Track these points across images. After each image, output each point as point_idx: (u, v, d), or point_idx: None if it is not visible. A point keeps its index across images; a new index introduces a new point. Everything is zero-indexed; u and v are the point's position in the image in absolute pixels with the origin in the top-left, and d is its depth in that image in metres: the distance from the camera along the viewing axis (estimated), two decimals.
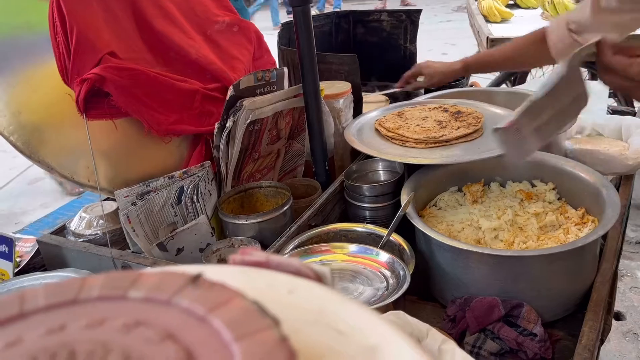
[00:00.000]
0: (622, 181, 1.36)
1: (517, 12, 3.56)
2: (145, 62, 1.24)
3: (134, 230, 1.10)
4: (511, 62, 1.58)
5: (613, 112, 1.81)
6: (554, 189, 1.20)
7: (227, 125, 1.14)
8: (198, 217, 1.15)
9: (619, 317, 2.50)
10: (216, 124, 1.16)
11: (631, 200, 1.43)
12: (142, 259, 1.09)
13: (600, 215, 1.05)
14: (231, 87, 1.14)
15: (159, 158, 1.21)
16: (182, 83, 1.19)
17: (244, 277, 0.34)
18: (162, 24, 1.28)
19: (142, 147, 1.19)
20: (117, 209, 1.14)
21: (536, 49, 1.41)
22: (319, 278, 0.34)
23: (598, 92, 1.98)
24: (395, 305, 0.90)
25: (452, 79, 1.71)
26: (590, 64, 3.21)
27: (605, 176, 1.35)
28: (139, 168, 1.19)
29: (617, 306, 2.51)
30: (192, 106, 1.20)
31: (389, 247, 1.10)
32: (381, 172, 1.37)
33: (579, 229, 1.08)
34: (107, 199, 1.24)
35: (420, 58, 2.10)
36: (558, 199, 1.19)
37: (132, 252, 1.14)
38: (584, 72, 3.42)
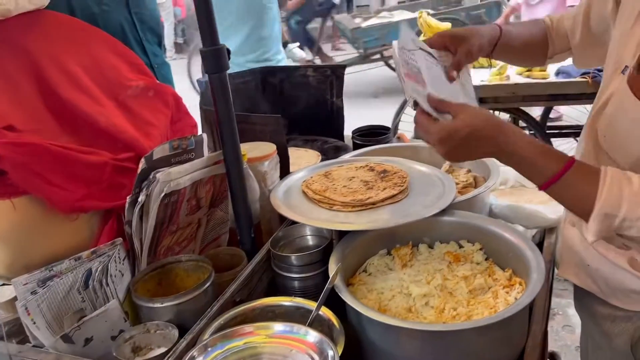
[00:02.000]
0: (546, 235, 1.38)
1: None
2: (50, 132, 1.16)
3: (35, 323, 0.99)
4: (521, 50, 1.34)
5: None
6: (481, 249, 1.20)
7: (140, 199, 1.07)
8: (109, 301, 1.05)
9: (554, 357, 2.54)
10: (128, 198, 1.08)
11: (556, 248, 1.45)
12: (43, 355, 0.97)
13: (527, 277, 1.04)
14: (143, 159, 1.07)
15: (65, 237, 1.11)
16: (90, 155, 1.11)
17: None
18: (68, 91, 1.20)
19: (46, 226, 1.08)
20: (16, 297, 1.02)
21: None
22: None
23: None
24: None
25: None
26: (514, 110, 3.38)
27: (529, 230, 1.37)
28: (43, 250, 1.09)
29: (552, 346, 2.55)
30: (101, 179, 1.12)
31: (317, 322, 1.04)
32: (309, 236, 1.32)
33: (507, 292, 1.07)
34: (4, 284, 1.12)
35: (349, 103, 2.12)
36: (486, 259, 1.18)
37: (33, 346, 1.02)
38: (506, 116, 3.58)
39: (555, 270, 1.27)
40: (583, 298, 1.17)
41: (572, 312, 2.77)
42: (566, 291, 2.92)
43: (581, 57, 1.30)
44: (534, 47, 1.33)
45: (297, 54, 4.19)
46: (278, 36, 3.17)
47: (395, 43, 1.15)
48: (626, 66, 0.97)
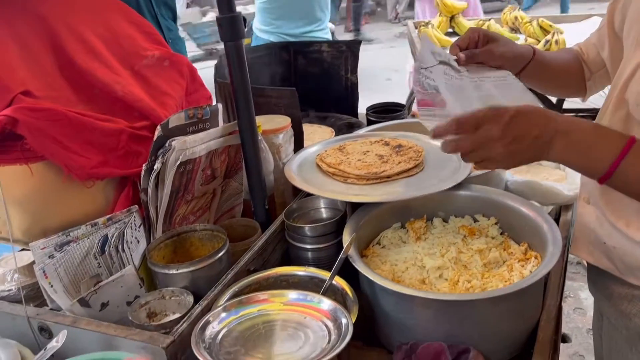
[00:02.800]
0: (562, 212, 1.36)
1: (455, 39, 3.65)
2: (66, 100, 1.16)
3: (52, 286, 1.00)
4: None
5: None
6: (496, 223, 1.19)
7: (156, 167, 1.07)
8: (124, 267, 1.05)
9: (564, 339, 2.54)
10: (143, 165, 1.08)
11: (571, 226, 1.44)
12: (61, 318, 0.98)
13: (543, 251, 1.03)
14: (159, 127, 1.07)
15: (81, 204, 1.12)
16: (106, 122, 1.11)
17: None
18: (85, 60, 1.20)
19: (62, 193, 1.09)
20: (34, 261, 1.04)
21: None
22: None
23: None
24: (339, 356, 0.85)
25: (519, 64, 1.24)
26: (530, 91, 3.33)
27: (545, 207, 1.36)
28: (59, 215, 1.10)
29: (563, 328, 2.55)
30: (118, 147, 1.12)
31: (331, 291, 1.04)
32: (323, 209, 1.32)
33: (522, 266, 1.06)
34: (23, 249, 1.13)
35: (363, 84, 2.09)
36: (501, 234, 1.17)
37: (51, 309, 1.03)
38: None
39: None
40: (598, 278, 1.16)
41: (584, 295, 2.76)
42: (578, 274, 2.91)
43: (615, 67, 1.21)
44: (570, 71, 1.26)
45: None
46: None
47: (409, 67, 1.12)
48: None
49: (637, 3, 1.02)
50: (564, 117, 0.88)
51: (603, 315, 1.20)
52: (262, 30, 3.01)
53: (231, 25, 1.11)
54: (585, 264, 1.18)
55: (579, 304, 2.71)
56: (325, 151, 1.39)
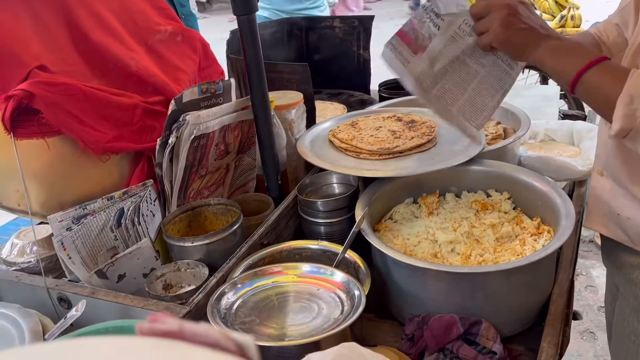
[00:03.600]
0: (575, 187, 1.36)
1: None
2: (80, 75, 1.16)
3: (70, 258, 1.02)
4: None
5: (564, 116, 1.83)
6: (509, 198, 1.19)
7: (170, 141, 1.08)
8: (140, 240, 1.07)
9: (575, 316, 2.55)
10: (158, 140, 1.09)
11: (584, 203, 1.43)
12: (79, 289, 1.01)
13: (556, 225, 1.03)
14: (173, 101, 1.07)
15: (96, 178, 1.13)
16: (121, 97, 1.12)
17: (153, 353, 0.28)
18: (99, 35, 1.20)
19: (78, 167, 1.11)
20: (52, 234, 1.06)
21: None
22: (241, 350, 0.29)
23: (549, 95, 2.01)
24: (352, 327, 0.86)
25: None
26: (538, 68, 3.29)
27: (558, 183, 1.35)
28: (75, 189, 1.11)
29: (574, 305, 2.56)
30: (132, 121, 1.13)
31: (344, 265, 1.06)
32: (335, 184, 1.33)
33: (535, 240, 1.06)
34: (42, 222, 1.15)
35: (375, 61, 2.07)
36: (513, 209, 1.17)
37: (69, 280, 1.06)
38: (535, 75, 3.49)
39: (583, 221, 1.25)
40: (611, 250, 1.16)
41: (596, 273, 2.75)
42: (590, 252, 2.90)
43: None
44: None
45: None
46: None
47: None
48: None
49: None
50: (558, 33, 0.96)
51: (613, 285, 1.20)
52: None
53: None
54: (599, 241, 1.18)
55: (591, 281, 2.71)
56: (338, 127, 1.38)
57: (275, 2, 2.92)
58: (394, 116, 1.41)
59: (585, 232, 3.03)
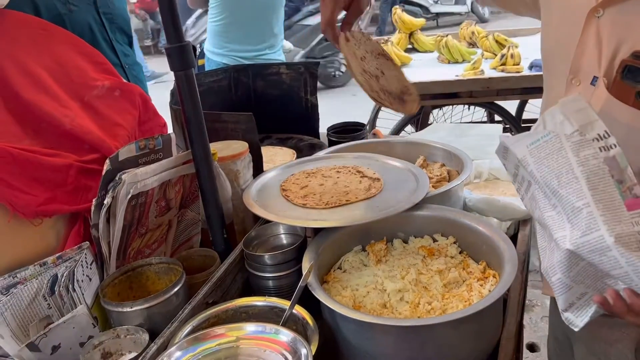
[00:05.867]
0: (520, 226, 1.38)
1: (415, 56, 3.72)
2: (11, 135, 1.12)
3: None
4: None
5: None
6: (455, 242, 1.19)
7: (106, 202, 1.04)
8: (76, 307, 1.02)
9: (533, 348, 2.56)
10: (93, 200, 1.05)
11: (531, 239, 1.45)
12: None
13: (501, 269, 1.04)
14: (107, 160, 1.04)
15: (30, 242, 1.07)
16: (53, 158, 1.08)
17: None
18: (30, 93, 1.16)
19: (9, 232, 1.05)
20: None
21: None
22: None
23: (493, 134, 2.06)
24: None
25: None
26: (489, 104, 3.40)
27: (504, 223, 1.38)
28: (7, 256, 1.05)
29: (531, 337, 2.58)
30: (66, 182, 1.09)
31: (292, 321, 1.03)
32: (283, 235, 1.30)
33: (481, 285, 1.06)
34: None
35: (327, 102, 2.09)
36: (460, 253, 1.18)
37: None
38: (482, 110, 3.61)
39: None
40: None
41: None
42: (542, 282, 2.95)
43: None
44: None
45: (285, 46, 4.04)
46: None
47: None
48: (595, 77, 0.93)
49: (555, 30, 1.03)
50: None
51: (575, 342, 1.18)
52: (214, 53, 2.99)
53: (180, 54, 1.10)
54: None
55: (546, 312, 2.73)
56: (287, 180, 1.37)
57: (234, 49, 2.93)
58: (342, 168, 1.41)
59: (537, 262, 3.08)
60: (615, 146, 0.72)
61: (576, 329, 0.85)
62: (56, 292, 1.02)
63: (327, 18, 1.05)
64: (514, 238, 1.34)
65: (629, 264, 0.67)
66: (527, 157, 0.78)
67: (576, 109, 0.74)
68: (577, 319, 0.77)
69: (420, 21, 3.79)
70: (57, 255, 1.03)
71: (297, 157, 1.71)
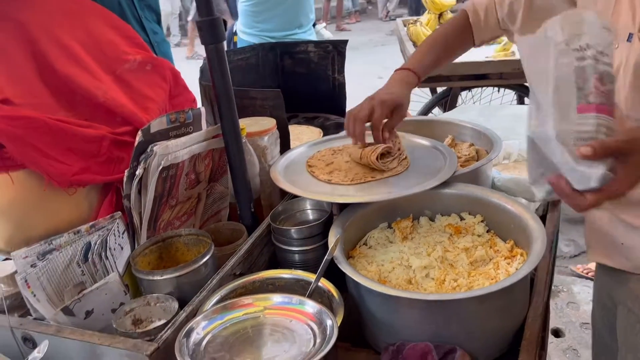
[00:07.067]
0: (549, 208, 1.36)
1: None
2: (46, 107, 1.14)
3: (35, 296, 0.99)
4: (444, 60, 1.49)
5: None
6: (482, 221, 1.18)
7: (138, 173, 1.06)
8: (108, 275, 1.05)
9: (558, 334, 2.54)
10: (125, 171, 1.07)
11: (559, 221, 1.44)
12: (44, 327, 0.97)
13: (529, 248, 1.03)
14: (140, 132, 1.06)
15: (64, 211, 1.11)
16: (87, 129, 1.10)
17: None
18: (66, 66, 1.18)
19: (44, 201, 1.08)
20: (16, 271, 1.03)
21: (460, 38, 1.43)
22: None
23: (523, 115, 2.03)
24: (327, 358, 0.84)
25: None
26: (519, 86, 3.33)
27: (532, 204, 1.36)
28: (42, 224, 1.09)
29: (556, 323, 2.56)
30: (99, 153, 1.11)
31: (317, 294, 1.04)
32: (309, 211, 1.31)
33: (509, 263, 1.06)
34: (7, 259, 1.12)
35: (354, 83, 2.07)
36: (487, 232, 1.17)
37: (34, 319, 1.02)
38: (511, 94, 3.54)
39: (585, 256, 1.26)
40: (617, 279, 1.15)
41: (577, 289, 2.76)
42: (569, 269, 2.92)
43: (524, 33, 1.29)
44: (454, 53, 1.50)
45: (324, 35, 3.95)
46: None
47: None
48: (630, 33, 0.95)
49: None
50: None
51: (618, 304, 1.18)
52: (245, 33, 2.99)
53: (211, 28, 1.10)
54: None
55: (572, 298, 2.71)
56: (313, 156, 1.37)
57: (265, 29, 2.93)
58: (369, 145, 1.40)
59: (565, 249, 3.04)
60: (589, 58, 0.79)
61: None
62: (89, 260, 1.05)
63: (363, 115, 1.27)
64: (542, 219, 1.33)
65: (561, 154, 0.79)
66: (525, 55, 0.94)
67: (573, 22, 0.82)
68: (538, 193, 0.92)
69: (451, 1, 3.72)
70: (90, 224, 1.06)
71: (324, 136, 1.71)
